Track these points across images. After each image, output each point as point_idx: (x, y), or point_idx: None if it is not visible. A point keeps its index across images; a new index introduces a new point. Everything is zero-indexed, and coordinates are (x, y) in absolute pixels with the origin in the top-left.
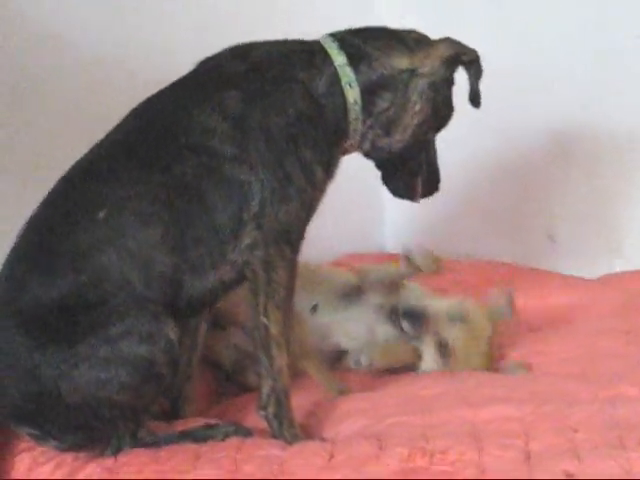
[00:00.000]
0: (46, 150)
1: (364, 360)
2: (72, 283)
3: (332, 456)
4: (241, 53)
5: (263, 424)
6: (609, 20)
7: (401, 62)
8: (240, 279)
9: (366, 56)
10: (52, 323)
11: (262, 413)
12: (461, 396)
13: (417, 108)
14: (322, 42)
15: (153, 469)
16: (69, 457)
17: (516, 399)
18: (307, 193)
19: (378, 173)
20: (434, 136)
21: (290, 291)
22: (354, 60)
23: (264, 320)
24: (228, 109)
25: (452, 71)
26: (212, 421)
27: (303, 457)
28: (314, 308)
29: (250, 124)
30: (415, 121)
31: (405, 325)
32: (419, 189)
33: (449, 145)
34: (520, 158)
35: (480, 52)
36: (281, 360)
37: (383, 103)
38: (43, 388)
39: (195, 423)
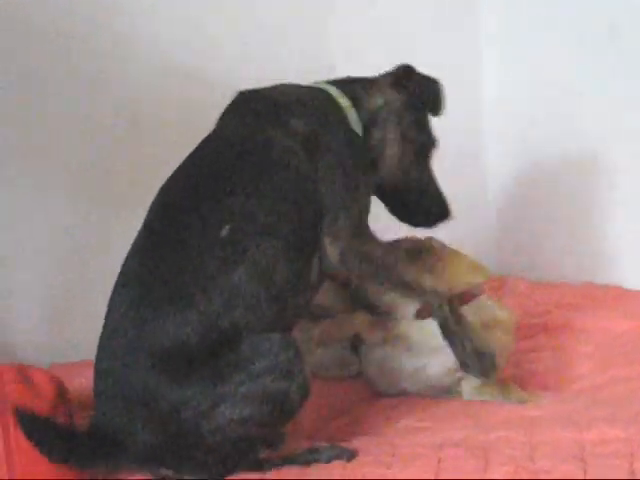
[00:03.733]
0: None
1: None
2: (205, 314)
3: (437, 475)
4: (281, 91)
5: (364, 444)
6: None
7: (377, 100)
8: (313, 296)
9: (358, 99)
10: (192, 361)
11: (466, 365)
12: (566, 416)
13: (391, 137)
14: (324, 88)
15: None
16: None
17: (622, 420)
18: (363, 198)
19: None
20: (423, 166)
21: (391, 252)
22: (353, 103)
23: (396, 280)
24: (297, 131)
25: (404, 93)
26: (317, 444)
27: (409, 474)
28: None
29: (316, 144)
30: (394, 149)
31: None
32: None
33: None
34: None
35: None
36: (428, 282)
37: (375, 138)
38: (183, 429)
39: (299, 447)
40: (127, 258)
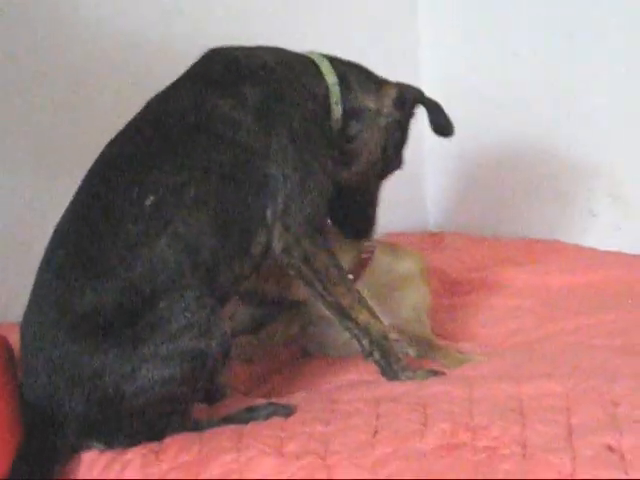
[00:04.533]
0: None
1: None
2: (125, 279)
3: (376, 432)
4: (254, 53)
5: (303, 401)
6: None
7: (370, 102)
8: (253, 272)
9: (349, 85)
10: (111, 326)
11: (370, 359)
12: (504, 371)
13: (372, 146)
14: (314, 58)
15: (197, 448)
16: None
17: (559, 374)
18: (323, 182)
19: (419, 157)
20: (379, 183)
21: (340, 268)
22: (341, 84)
23: (332, 299)
24: (250, 104)
25: (402, 113)
26: (255, 402)
27: (347, 433)
28: None
29: (272, 118)
30: (371, 158)
31: None
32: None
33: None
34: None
35: None
36: (362, 316)
37: (352, 131)
38: (106, 394)
39: (236, 405)
40: (58, 224)
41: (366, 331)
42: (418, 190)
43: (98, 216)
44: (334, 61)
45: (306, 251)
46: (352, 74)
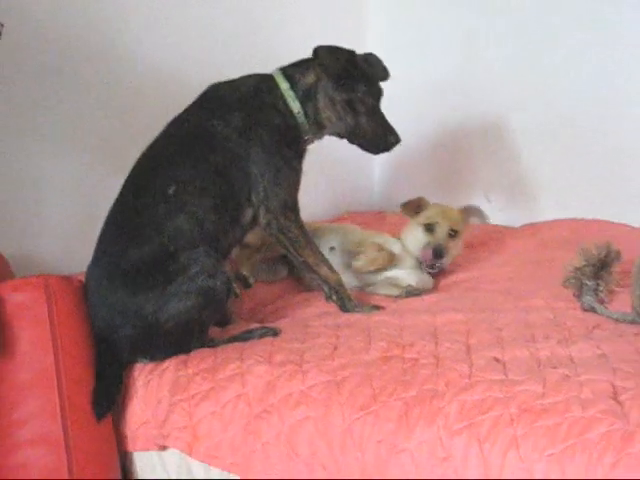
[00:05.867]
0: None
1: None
2: (157, 242)
3: (336, 348)
4: (234, 88)
5: (286, 325)
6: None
7: (309, 79)
8: (244, 235)
9: (294, 80)
10: (147, 273)
11: (330, 301)
12: (424, 307)
13: (321, 105)
14: (273, 74)
15: (212, 359)
16: None
17: (461, 309)
18: (290, 176)
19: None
20: (360, 111)
21: (306, 236)
22: (292, 85)
23: (301, 259)
24: (233, 125)
25: (325, 69)
26: (252, 326)
27: (315, 349)
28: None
29: (249, 135)
30: (327, 114)
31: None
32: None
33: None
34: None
35: None
36: (323, 271)
37: (309, 110)
38: (147, 322)
39: (240, 328)
40: (111, 206)
41: (326, 281)
42: (368, 177)
43: (136, 200)
44: (286, 69)
45: (282, 225)
46: (294, 71)
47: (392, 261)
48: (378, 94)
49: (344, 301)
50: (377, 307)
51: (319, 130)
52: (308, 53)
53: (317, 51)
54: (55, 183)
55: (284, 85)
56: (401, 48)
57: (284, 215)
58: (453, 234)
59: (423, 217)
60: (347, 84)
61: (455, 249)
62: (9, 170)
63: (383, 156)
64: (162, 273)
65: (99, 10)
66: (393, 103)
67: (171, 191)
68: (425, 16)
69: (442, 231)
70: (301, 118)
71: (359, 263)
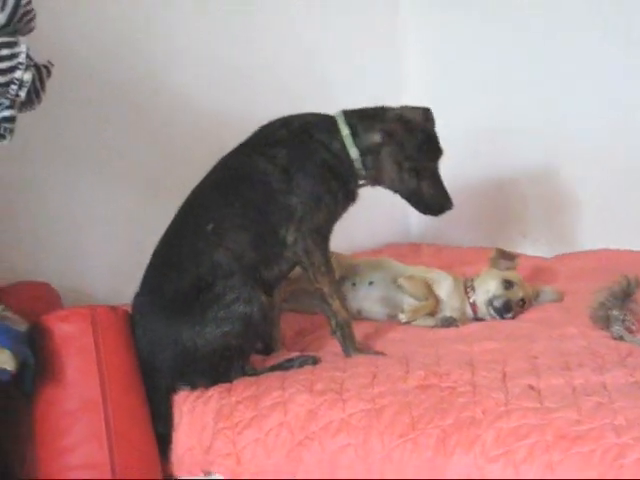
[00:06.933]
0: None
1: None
2: (195, 274)
3: (375, 376)
4: (285, 123)
5: (326, 354)
6: None
7: (374, 136)
8: (291, 268)
9: (357, 130)
10: (186, 302)
11: (334, 336)
12: (461, 336)
13: (386, 166)
14: (335, 116)
15: (255, 387)
16: None
17: (497, 338)
18: (331, 205)
19: None
20: (422, 175)
21: (328, 266)
22: (353, 132)
23: (317, 285)
24: (278, 160)
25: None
26: (293, 355)
27: (355, 377)
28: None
29: (293, 168)
30: (389, 175)
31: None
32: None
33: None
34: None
35: None
36: (336, 305)
37: (369, 163)
38: (185, 347)
39: (281, 357)
40: (159, 241)
41: (335, 315)
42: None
43: (179, 236)
44: (347, 114)
45: (308, 246)
46: (358, 122)
47: (437, 307)
48: (439, 156)
49: (346, 341)
50: (377, 353)
51: (375, 182)
52: (348, 101)
53: (386, 116)
54: (107, 219)
55: (345, 131)
56: (441, 94)
57: (312, 238)
58: (521, 304)
59: (506, 273)
60: (417, 156)
61: (516, 315)
62: (61, 204)
63: None
64: (199, 301)
65: (151, 53)
66: None
67: (210, 227)
68: (464, 60)
69: (517, 294)
70: (358, 164)
71: (404, 318)
